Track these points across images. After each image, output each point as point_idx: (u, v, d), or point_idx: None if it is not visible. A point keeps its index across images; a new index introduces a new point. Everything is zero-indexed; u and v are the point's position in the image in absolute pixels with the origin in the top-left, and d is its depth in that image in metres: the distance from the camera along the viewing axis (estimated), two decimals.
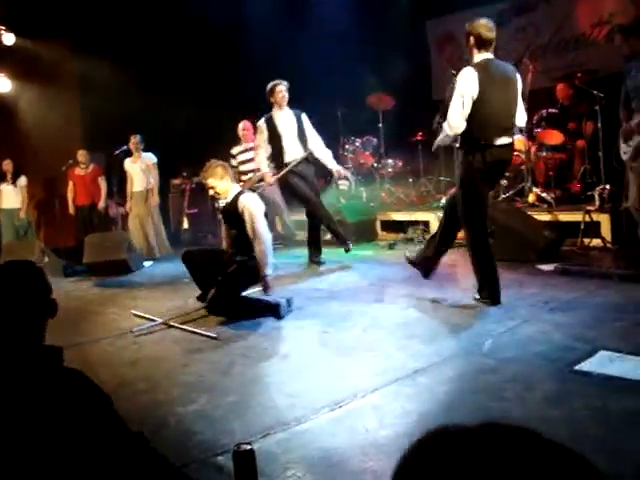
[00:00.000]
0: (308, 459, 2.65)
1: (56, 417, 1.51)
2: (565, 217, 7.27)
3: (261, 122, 7.50)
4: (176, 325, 5.10)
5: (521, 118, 5.07)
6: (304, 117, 7.52)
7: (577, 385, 3.21)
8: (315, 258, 7.55)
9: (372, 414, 3.05)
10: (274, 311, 5.13)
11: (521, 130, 5.33)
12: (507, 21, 10.09)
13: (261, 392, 3.51)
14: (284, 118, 7.43)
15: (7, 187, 10.14)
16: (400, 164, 10.49)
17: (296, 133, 7.42)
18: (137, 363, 4.27)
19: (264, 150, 7.48)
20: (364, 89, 10.33)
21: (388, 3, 10.59)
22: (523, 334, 4.12)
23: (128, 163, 9.62)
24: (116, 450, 1.59)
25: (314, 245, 7.62)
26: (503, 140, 4.81)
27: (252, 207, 5.32)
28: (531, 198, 7.85)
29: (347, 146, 10.57)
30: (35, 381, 1.57)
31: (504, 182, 8.25)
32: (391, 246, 8.49)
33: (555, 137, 8.05)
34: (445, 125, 4.82)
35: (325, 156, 7.61)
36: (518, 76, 5.01)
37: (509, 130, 4.90)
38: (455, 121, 4.70)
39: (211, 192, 5.60)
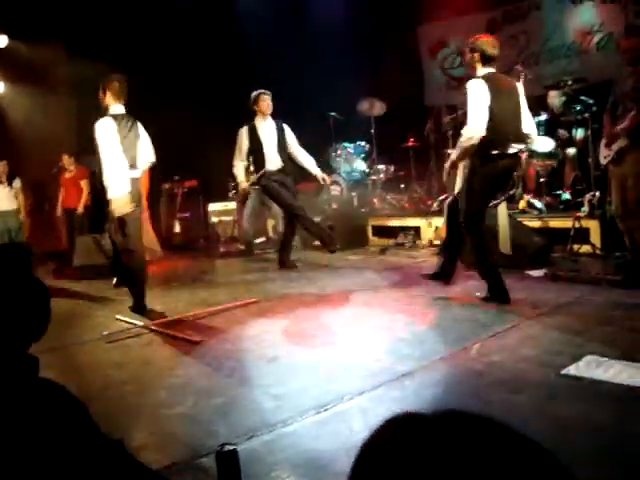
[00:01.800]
0: (293, 461, 2.64)
1: (29, 428, 1.49)
2: (555, 223, 7.30)
3: (243, 130, 7.50)
4: (158, 329, 5.07)
5: (530, 126, 5.19)
6: (286, 127, 7.55)
7: (563, 389, 3.21)
8: (288, 262, 7.62)
9: (358, 417, 3.04)
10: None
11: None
12: (498, 29, 10.14)
13: (247, 394, 3.50)
14: (266, 127, 7.47)
15: (2, 189, 10.03)
16: (392, 170, 10.51)
17: (276, 143, 7.45)
18: (124, 365, 4.25)
19: (240, 160, 7.52)
20: (356, 94, 10.36)
21: (380, 8, 10.62)
22: (511, 338, 4.12)
23: None
24: (92, 459, 1.57)
25: (287, 248, 7.69)
26: (512, 149, 4.96)
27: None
28: (522, 204, 7.87)
29: (339, 151, 10.58)
30: (6, 392, 1.54)
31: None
32: (382, 251, 8.50)
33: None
34: (467, 132, 4.90)
35: (308, 163, 7.66)
36: (520, 86, 5.19)
37: (518, 139, 5.03)
38: (479, 126, 4.81)
39: None
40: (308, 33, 10.01)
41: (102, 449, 1.63)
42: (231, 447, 2.28)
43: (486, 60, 4.99)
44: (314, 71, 10.10)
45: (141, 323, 5.23)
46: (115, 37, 10.43)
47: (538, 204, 7.78)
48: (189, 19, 10.31)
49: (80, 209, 9.99)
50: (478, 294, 5.17)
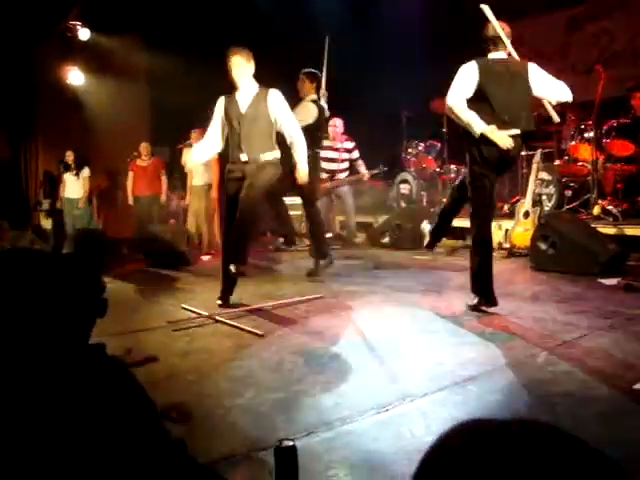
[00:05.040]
0: (351, 460, 2.62)
1: (93, 419, 1.49)
2: (631, 231, 7.04)
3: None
4: (222, 320, 5.11)
5: (560, 93, 4.99)
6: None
7: (635, 405, 3.09)
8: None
9: (419, 419, 3.00)
10: None
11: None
12: (580, 27, 9.84)
13: (308, 390, 3.49)
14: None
15: (70, 177, 10.41)
16: (463, 170, 10.33)
17: None
18: (188, 354, 4.31)
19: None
20: (429, 93, 10.22)
21: (454, 6, 10.44)
22: (580, 348, 3.99)
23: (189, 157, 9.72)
24: (154, 457, 1.57)
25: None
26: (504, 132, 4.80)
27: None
28: (596, 210, 7.63)
29: (410, 150, 10.49)
30: (75, 382, 1.54)
31: (568, 193, 8.09)
32: (450, 252, 8.38)
33: (625, 148, 7.81)
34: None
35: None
36: (531, 68, 5.01)
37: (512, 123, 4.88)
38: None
39: None
40: (381, 30, 9.93)
41: (165, 447, 1.63)
42: (290, 443, 2.27)
43: (494, 44, 5.18)
44: (388, 68, 10.02)
45: (206, 313, 5.29)
46: (190, 29, 10.60)
47: (614, 210, 7.53)
48: (260, 12, 10.37)
49: (163, 197, 10.25)
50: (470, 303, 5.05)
